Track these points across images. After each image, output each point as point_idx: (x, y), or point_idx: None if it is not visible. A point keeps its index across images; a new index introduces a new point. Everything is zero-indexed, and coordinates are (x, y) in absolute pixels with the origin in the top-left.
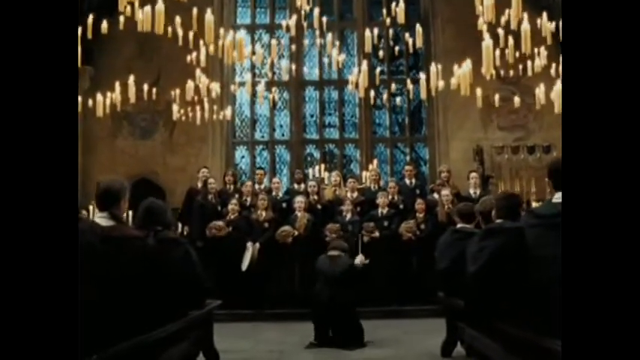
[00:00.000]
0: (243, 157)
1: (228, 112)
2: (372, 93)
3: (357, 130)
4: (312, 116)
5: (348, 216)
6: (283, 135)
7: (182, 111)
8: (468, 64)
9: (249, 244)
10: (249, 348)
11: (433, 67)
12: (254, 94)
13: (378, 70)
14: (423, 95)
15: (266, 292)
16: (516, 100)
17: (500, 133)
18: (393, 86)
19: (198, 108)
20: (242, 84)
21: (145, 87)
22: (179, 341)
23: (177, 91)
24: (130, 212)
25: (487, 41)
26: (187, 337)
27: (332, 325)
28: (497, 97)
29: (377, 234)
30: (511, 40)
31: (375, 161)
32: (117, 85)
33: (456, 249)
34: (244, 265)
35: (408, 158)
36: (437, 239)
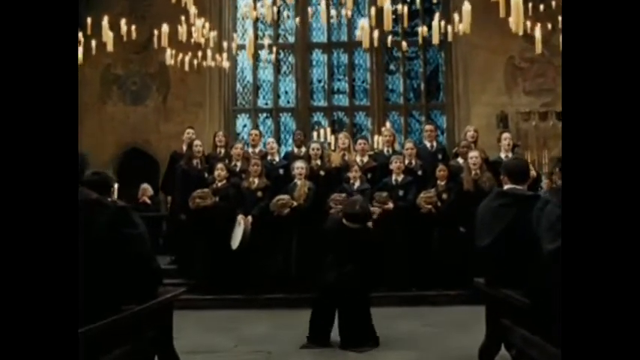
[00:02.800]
0: (245, 125)
1: (225, 63)
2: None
3: (368, 97)
4: (319, 82)
5: (357, 184)
6: (288, 102)
7: (173, 53)
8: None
9: (239, 217)
10: (230, 348)
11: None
12: (256, 58)
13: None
14: (435, 40)
15: (258, 275)
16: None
17: (527, 98)
18: (405, 45)
19: (191, 55)
20: (242, 47)
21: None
22: (123, 341)
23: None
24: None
25: None
26: (137, 336)
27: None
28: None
29: (390, 205)
30: None
31: (388, 123)
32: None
33: (504, 219)
34: (235, 243)
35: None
36: (462, 211)
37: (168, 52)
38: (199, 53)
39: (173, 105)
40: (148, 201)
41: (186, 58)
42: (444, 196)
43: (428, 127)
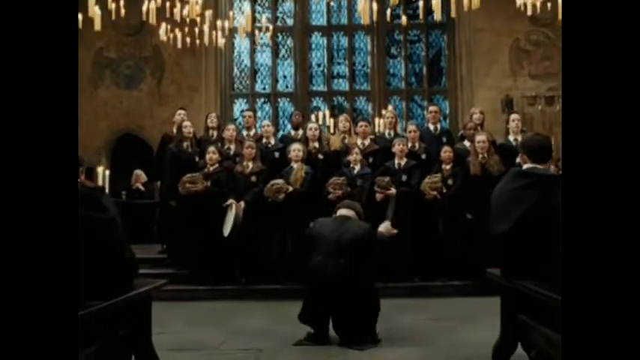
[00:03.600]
0: (242, 111)
1: (221, 41)
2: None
3: (368, 81)
4: (319, 66)
5: (357, 168)
6: (287, 87)
7: (169, 28)
8: None
9: (230, 202)
10: (218, 344)
11: None
12: (254, 42)
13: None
14: (437, 16)
15: (252, 264)
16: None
17: (533, 82)
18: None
19: (187, 30)
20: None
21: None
22: (88, 341)
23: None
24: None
25: None
26: (105, 335)
27: (333, 313)
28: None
29: (393, 191)
30: None
31: (390, 107)
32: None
33: (524, 203)
34: (226, 230)
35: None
36: (468, 196)
37: (163, 27)
38: (196, 30)
39: (168, 89)
40: (142, 187)
41: (181, 36)
42: (450, 181)
43: (432, 107)
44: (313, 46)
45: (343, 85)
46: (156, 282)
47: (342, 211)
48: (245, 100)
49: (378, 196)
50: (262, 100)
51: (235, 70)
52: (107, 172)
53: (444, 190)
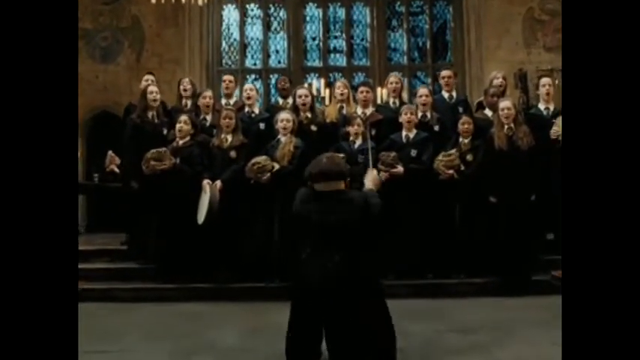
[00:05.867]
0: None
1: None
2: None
3: (368, 57)
4: (313, 39)
5: (358, 141)
6: (279, 62)
7: None
8: None
9: (204, 183)
10: None
11: None
12: (244, 13)
13: None
14: None
15: (230, 257)
16: None
17: (548, 55)
18: None
19: None
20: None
21: None
22: None
23: None
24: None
25: None
26: None
27: (330, 329)
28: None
29: (400, 169)
30: None
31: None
32: None
33: None
34: (200, 216)
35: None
36: (492, 176)
37: None
38: None
39: (148, 63)
40: (117, 170)
41: None
42: (469, 157)
43: (445, 72)
44: (308, 18)
45: (340, 60)
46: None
47: (319, 185)
48: (234, 77)
49: (383, 176)
50: (253, 76)
51: (224, 44)
52: (80, 154)
53: (462, 168)
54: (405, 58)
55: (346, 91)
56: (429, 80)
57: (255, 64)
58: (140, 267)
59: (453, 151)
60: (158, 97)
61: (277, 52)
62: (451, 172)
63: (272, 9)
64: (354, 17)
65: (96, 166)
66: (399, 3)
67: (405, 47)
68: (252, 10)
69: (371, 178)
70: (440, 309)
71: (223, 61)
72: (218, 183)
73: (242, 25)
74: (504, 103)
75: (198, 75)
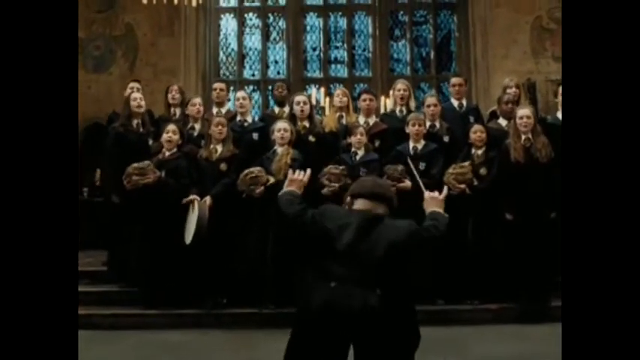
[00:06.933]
0: (229, 100)
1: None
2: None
3: (370, 67)
4: (314, 50)
5: (360, 153)
6: (279, 73)
7: None
8: None
9: (193, 197)
10: None
11: None
12: (242, 23)
13: None
14: None
15: (220, 280)
16: None
17: (556, 65)
18: None
19: None
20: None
21: None
22: None
23: None
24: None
25: None
26: None
27: None
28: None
29: (407, 183)
30: None
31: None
32: None
33: None
34: (188, 235)
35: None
36: (508, 191)
37: None
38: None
39: (141, 73)
40: None
41: None
42: (483, 170)
43: (455, 79)
44: (308, 27)
45: (341, 71)
46: None
47: (364, 204)
48: (232, 88)
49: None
50: (252, 87)
51: (221, 54)
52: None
53: (475, 183)
54: (408, 68)
55: (345, 99)
56: (433, 92)
57: (253, 75)
58: (121, 290)
59: (466, 164)
60: (143, 103)
61: (276, 62)
62: (463, 186)
63: (271, 18)
64: (356, 27)
65: (86, 181)
66: (401, 12)
67: (408, 58)
68: (251, 19)
69: (432, 202)
70: (453, 339)
71: (221, 72)
72: (207, 199)
73: (240, 34)
74: (523, 111)
75: (194, 86)
